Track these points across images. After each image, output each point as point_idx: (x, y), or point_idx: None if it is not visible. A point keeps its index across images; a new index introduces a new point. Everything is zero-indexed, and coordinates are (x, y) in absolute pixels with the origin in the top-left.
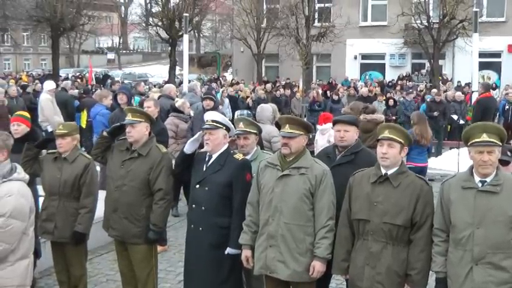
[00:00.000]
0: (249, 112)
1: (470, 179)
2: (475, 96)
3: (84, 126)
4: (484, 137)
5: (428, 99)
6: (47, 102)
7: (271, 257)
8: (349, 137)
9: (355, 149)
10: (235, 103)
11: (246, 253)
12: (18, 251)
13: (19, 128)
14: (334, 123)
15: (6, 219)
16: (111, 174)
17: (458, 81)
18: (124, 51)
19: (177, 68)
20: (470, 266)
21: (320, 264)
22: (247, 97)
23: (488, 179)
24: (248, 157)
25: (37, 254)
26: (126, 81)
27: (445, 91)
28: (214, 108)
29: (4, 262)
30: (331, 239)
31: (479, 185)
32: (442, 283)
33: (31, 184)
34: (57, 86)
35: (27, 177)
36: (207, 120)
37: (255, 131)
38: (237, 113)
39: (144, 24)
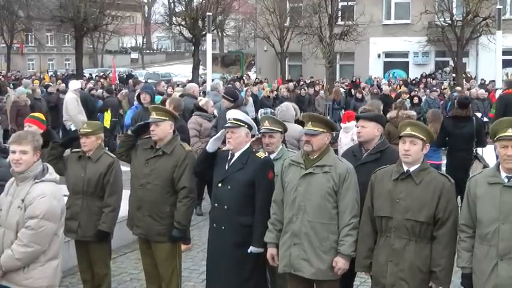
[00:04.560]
0: (273, 111)
1: (496, 174)
2: (499, 94)
3: (108, 126)
4: (510, 132)
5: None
6: (72, 101)
7: (295, 255)
8: (366, 132)
9: (381, 148)
10: (256, 102)
11: (271, 251)
12: (49, 252)
13: (29, 130)
14: (356, 119)
15: (39, 220)
16: (135, 173)
17: (482, 79)
18: (147, 51)
19: (201, 67)
20: (496, 262)
21: (343, 261)
22: (268, 96)
23: None
24: (273, 156)
25: None
26: (149, 81)
27: (469, 89)
28: (235, 107)
29: (35, 263)
30: (355, 236)
31: (506, 180)
32: (467, 278)
33: None
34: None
35: (58, 177)
36: (229, 119)
37: (280, 130)
38: (261, 111)
39: (167, 24)
